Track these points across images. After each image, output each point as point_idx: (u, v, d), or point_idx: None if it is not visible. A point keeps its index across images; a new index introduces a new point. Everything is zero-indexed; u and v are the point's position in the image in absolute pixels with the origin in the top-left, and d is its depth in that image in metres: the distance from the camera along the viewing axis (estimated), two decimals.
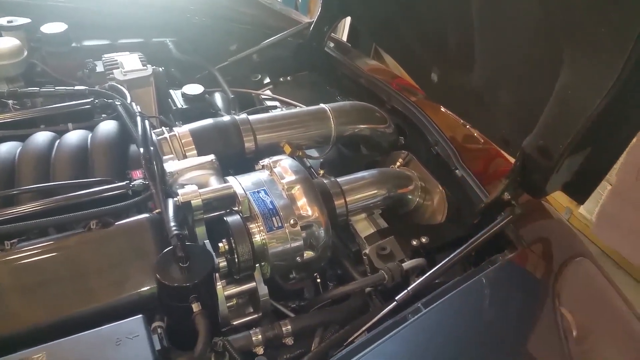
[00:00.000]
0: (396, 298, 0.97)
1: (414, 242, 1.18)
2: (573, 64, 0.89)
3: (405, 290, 0.98)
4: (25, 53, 1.45)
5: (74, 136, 1.14)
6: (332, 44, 1.86)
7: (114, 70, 1.44)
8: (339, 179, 1.21)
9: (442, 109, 1.49)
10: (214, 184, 1.06)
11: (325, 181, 1.19)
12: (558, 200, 2.90)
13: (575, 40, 0.87)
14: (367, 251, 1.16)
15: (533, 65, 1.03)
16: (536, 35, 0.97)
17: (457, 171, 1.27)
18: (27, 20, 1.53)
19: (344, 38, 2.32)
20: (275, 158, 1.13)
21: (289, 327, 0.96)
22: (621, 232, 2.70)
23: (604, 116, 0.87)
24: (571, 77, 0.90)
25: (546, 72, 0.95)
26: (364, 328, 0.94)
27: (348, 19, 2.13)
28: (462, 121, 1.45)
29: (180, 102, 1.50)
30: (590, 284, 1.18)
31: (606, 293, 1.17)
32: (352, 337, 0.94)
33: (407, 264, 1.10)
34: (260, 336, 0.93)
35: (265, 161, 1.13)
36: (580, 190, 1.10)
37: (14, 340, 0.77)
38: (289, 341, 0.97)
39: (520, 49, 1.05)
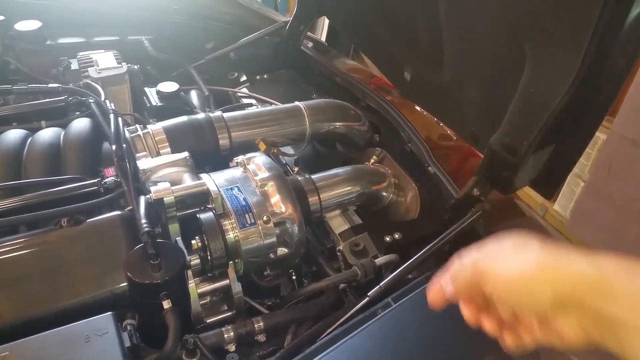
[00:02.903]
0: (368, 294, 0.99)
1: (387, 238, 1.19)
2: (534, 61, 0.91)
3: (378, 286, 1.00)
4: None
5: (46, 134, 1.13)
6: (310, 44, 1.88)
7: (89, 68, 1.43)
8: (313, 176, 1.22)
9: (417, 108, 1.51)
10: (188, 181, 1.06)
11: (299, 178, 1.20)
12: (533, 197, 2.95)
13: (535, 38, 0.89)
14: (340, 247, 1.17)
15: (498, 62, 1.05)
16: (499, 32, 0.99)
17: (429, 168, 1.29)
18: (1, 17, 1.52)
19: (323, 38, 2.33)
20: (249, 155, 1.14)
21: (261, 324, 0.97)
22: (595, 228, 2.75)
23: (566, 112, 0.90)
24: (533, 74, 0.93)
25: (511, 69, 0.98)
26: (336, 324, 0.95)
27: (327, 20, 2.14)
28: (436, 120, 1.47)
29: (155, 100, 1.49)
30: None
31: None
32: (325, 334, 0.94)
33: (380, 260, 1.12)
34: (232, 333, 0.94)
35: (240, 158, 1.13)
36: (547, 185, 1.12)
37: None
38: (262, 338, 0.98)
39: (485, 46, 1.07)
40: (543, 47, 0.88)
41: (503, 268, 0.59)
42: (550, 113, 0.89)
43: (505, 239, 0.62)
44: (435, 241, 1.07)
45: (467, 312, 0.66)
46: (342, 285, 1.10)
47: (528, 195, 2.67)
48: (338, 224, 1.25)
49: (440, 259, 1.17)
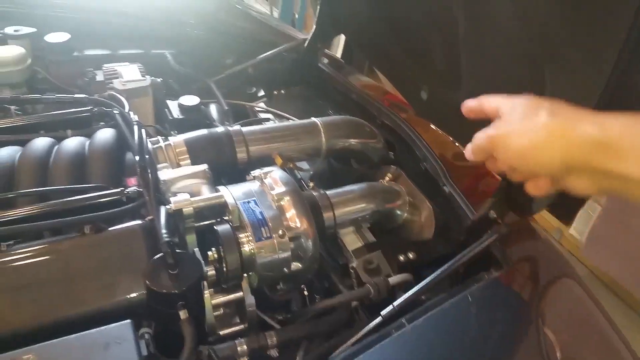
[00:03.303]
0: (381, 313, 0.99)
1: (401, 258, 1.20)
2: (554, 87, 0.92)
3: (391, 306, 1.00)
4: (29, 61, 1.49)
5: (72, 143, 1.16)
6: (326, 60, 1.91)
7: (114, 80, 1.47)
8: (328, 192, 1.23)
9: (432, 127, 1.52)
10: (206, 193, 1.08)
11: (314, 194, 1.22)
12: (549, 220, 2.93)
13: (555, 64, 0.90)
14: (354, 265, 1.18)
15: (517, 84, 1.06)
16: (519, 55, 1.01)
17: (445, 188, 1.30)
18: (33, 29, 1.58)
19: (339, 54, 2.37)
20: (266, 169, 1.15)
21: (275, 338, 0.97)
22: (611, 253, 2.72)
23: None
24: (553, 97, 0.93)
25: (530, 91, 0.99)
26: (348, 342, 0.95)
27: (343, 36, 2.17)
28: (451, 139, 1.48)
29: (176, 113, 1.53)
30: (575, 306, 1.20)
31: (591, 315, 1.18)
32: (338, 352, 0.95)
33: (394, 279, 1.12)
34: (245, 346, 0.94)
35: (257, 172, 1.15)
36: (566, 211, 1.12)
37: (2, 341, 0.79)
38: (274, 353, 0.98)
39: (504, 68, 1.08)
40: (563, 75, 0.89)
41: (514, 141, 0.68)
42: None
43: (517, 104, 0.70)
44: (451, 262, 1.07)
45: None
46: (354, 303, 1.10)
47: (543, 219, 2.65)
48: (351, 240, 1.26)
49: (454, 280, 1.18)
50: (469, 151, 0.80)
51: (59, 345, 0.75)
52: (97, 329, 0.79)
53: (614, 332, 1.15)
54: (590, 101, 0.84)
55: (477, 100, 0.81)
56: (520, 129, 0.67)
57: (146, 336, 0.84)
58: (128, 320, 0.81)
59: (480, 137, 0.76)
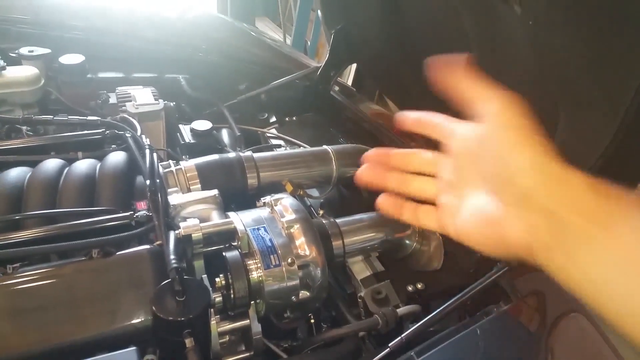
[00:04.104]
0: (389, 345, 0.97)
1: (410, 288, 1.18)
2: (569, 122, 0.92)
3: (399, 337, 0.98)
4: (43, 81, 1.51)
5: (82, 165, 1.16)
6: (337, 88, 1.92)
7: (127, 103, 1.49)
8: (337, 220, 1.23)
9: None
10: (216, 218, 1.08)
11: (324, 221, 1.21)
12: None
13: (570, 99, 0.90)
14: (362, 294, 1.16)
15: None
16: (533, 91, 1.01)
17: None
18: (47, 50, 1.59)
19: (350, 82, 2.40)
20: (276, 196, 1.15)
21: None
22: None
23: (600, 175, 0.89)
24: (567, 134, 0.93)
25: (544, 127, 0.98)
26: None
27: (354, 64, 2.20)
28: None
29: (188, 137, 1.54)
30: (584, 341, 1.18)
31: (599, 351, 1.16)
32: None
33: (402, 310, 1.11)
34: None
35: (267, 198, 1.15)
36: None
37: None
38: None
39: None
40: (579, 110, 0.89)
41: None
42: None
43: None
44: (460, 295, 1.06)
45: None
46: (361, 333, 1.08)
47: None
48: (360, 269, 1.25)
49: (463, 312, 1.16)
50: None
51: None
52: (102, 355, 0.78)
53: None
54: (604, 139, 0.84)
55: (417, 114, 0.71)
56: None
57: None
58: (133, 348, 0.79)
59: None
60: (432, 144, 0.73)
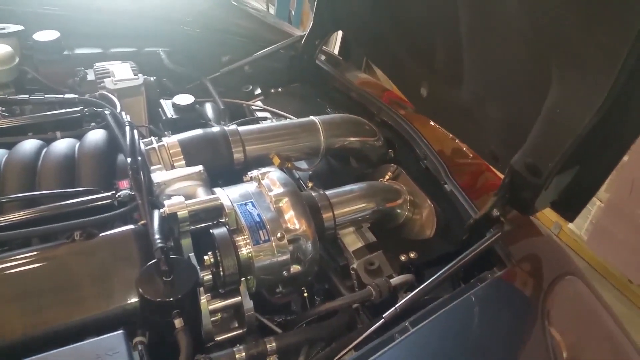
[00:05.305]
0: (383, 316, 0.96)
1: (403, 258, 1.17)
2: (562, 83, 0.89)
3: (393, 308, 0.97)
4: (17, 60, 1.45)
5: (61, 145, 1.12)
6: (323, 57, 1.87)
7: (105, 79, 1.44)
8: (327, 192, 1.20)
9: (431, 123, 1.49)
10: (202, 195, 1.05)
11: (313, 194, 1.19)
12: (547, 215, 2.91)
13: (564, 59, 0.87)
14: (354, 266, 1.15)
15: (522, 82, 1.04)
16: (525, 53, 0.98)
17: (446, 185, 1.27)
18: (20, 27, 1.53)
19: (336, 51, 2.34)
20: (263, 170, 1.12)
21: (274, 344, 0.94)
22: (615, 246, 2.73)
23: (593, 135, 0.87)
24: (560, 95, 0.91)
25: (535, 89, 0.96)
26: (350, 346, 0.93)
27: (340, 32, 2.14)
28: (450, 135, 1.45)
29: (170, 112, 1.49)
30: (580, 304, 1.18)
31: (596, 312, 1.16)
32: (338, 356, 0.92)
33: (395, 280, 1.10)
34: (243, 353, 0.92)
35: (254, 173, 1.12)
36: (569, 208, 1.10)
37: None
38: (274, 359, 0.95)
39: (509, 66, 1.05)
40: (572, 69, 0.86)
41: None
42: (577, 136, 0.87)
43: None
44: (454, 262, 1.04)
45: None
46: (355, 305, 1.08)
47: (541, 213, 2.63)
48: (352, 241, 1.23)
49: (456, 280, 1.15)
50: None
51: (50, 359, 0.71)
52: (89, 340, 0.76)
53: (618, 328, 1.13)
54: (597, 98, 0.81)
55: None
56: None
57: (139, 347, 0.81)
58: (121, 331, 0.77)
59: None
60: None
